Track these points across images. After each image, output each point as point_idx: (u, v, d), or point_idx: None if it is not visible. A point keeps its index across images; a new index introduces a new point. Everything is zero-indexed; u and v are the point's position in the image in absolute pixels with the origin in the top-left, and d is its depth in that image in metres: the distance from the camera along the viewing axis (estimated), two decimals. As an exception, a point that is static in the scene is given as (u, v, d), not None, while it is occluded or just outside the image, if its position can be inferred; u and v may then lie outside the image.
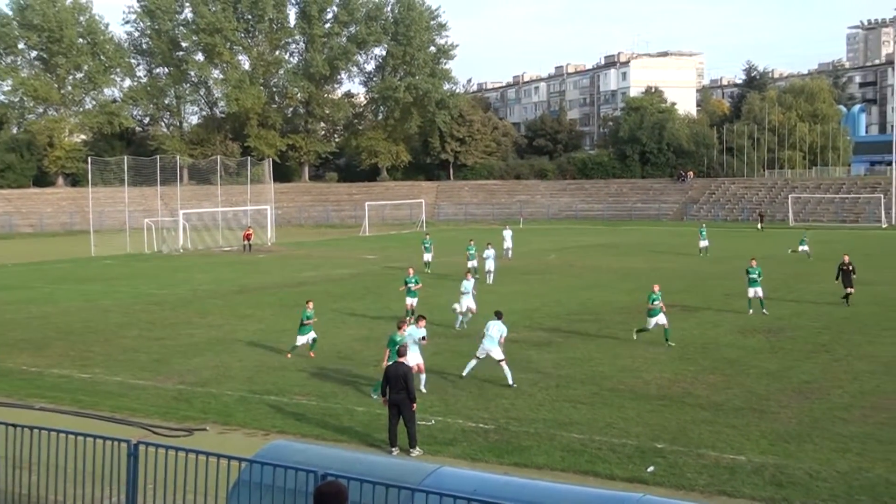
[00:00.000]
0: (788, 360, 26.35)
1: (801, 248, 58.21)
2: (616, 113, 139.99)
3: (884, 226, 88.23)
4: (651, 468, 17.02)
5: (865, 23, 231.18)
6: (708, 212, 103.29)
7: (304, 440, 18.06)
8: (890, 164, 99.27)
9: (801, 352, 27.20)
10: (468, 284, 33.10)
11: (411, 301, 34.29)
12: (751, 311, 34.69)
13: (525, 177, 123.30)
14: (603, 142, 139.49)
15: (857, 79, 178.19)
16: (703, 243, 60.64)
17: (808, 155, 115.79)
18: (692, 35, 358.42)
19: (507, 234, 60.54)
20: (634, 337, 29.31)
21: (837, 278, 37.88)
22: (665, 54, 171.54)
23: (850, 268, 37.40)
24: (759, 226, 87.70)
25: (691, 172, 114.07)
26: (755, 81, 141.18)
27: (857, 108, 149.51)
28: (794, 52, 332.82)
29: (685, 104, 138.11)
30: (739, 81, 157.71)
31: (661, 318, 28.82)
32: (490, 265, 46.13)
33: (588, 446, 18.36)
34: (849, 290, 37.06)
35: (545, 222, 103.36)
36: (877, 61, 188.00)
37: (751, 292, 35.00)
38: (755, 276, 34.91)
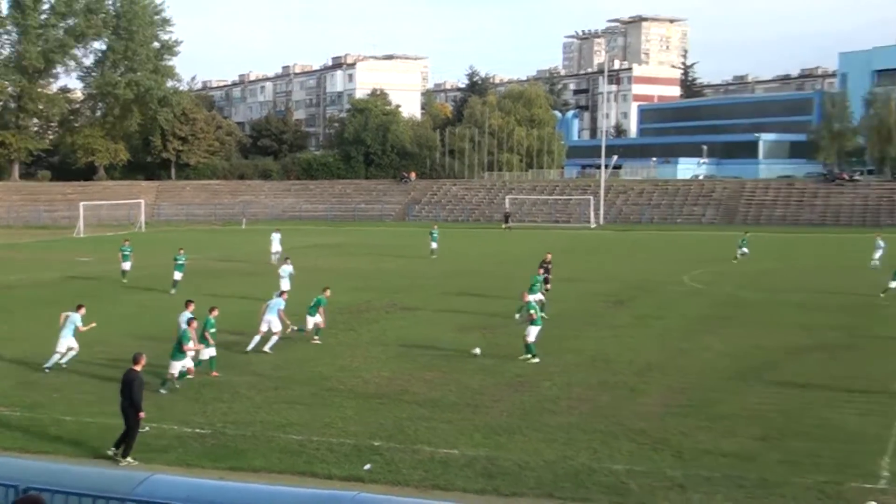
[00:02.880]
0: (503, 356, 27.31)
1: (739, 251, 56.01)
2: (342, 114, 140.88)
3: (592, 226, 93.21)
4: (368, 466, 17.25)
5: (580, 33, 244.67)
6: (429, 213, 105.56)
7: (4, 454, 17.05)
8: (599, 167, 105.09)
9: (514, 347, 28.18)
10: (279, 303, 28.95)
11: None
12: (517, 315, 30.80)
13: (249, 177, 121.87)
14: (328, 143, 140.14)
15: (572, 86, 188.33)
16: (434, 245, 60.27)
17: (525, 158, 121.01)
18: (418, 39, 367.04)
19: (276, 237, 56.66)
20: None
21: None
22: (391, 57, 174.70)
23: (548, 266, 38.93)
24: (503, 226, 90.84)
25: (413, 174, 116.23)
26: (477, 86, 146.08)
27: (570, 113, 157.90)
28: (515, 58, 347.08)
29: (410, 107, 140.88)
30: (462, 86, 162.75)
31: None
32: (285, 284, 38.10)
33: (306, 447, 18.37)
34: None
35: (269, 223, 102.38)
36: (589, 70, 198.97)
37: (529, 297, 29.86)
38: (536, 284, 33.08)
